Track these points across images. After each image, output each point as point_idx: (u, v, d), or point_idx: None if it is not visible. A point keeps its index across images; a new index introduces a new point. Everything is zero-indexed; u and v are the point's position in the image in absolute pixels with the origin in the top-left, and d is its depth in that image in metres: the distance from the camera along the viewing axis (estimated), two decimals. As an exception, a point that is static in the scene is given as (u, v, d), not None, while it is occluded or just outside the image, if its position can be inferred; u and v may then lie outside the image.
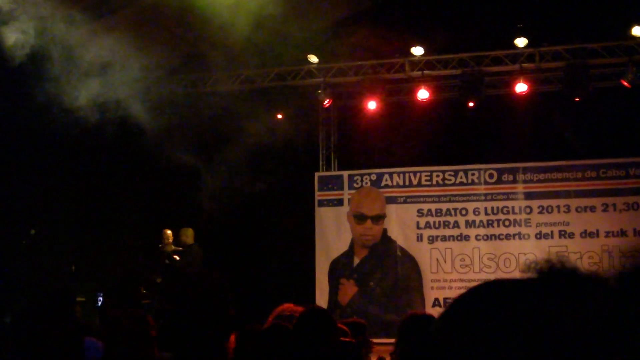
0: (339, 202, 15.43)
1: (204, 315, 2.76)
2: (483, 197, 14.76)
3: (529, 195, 14.54)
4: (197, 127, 14.28)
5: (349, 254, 15.26)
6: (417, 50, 14.35)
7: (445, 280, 14.48)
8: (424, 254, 14.87)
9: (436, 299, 14.56)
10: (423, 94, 14.61)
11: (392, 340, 6.40)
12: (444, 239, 14.85)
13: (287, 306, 4.59)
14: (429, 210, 14.98)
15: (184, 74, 15.14)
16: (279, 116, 14.95)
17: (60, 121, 11.36)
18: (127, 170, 14.72)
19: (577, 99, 13.84)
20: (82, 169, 13.52)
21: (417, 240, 14.99)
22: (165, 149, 14.51)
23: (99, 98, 11.95)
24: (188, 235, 13.97)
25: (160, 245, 13.75)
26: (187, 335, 2.75)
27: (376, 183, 15.30)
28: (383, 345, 9.26)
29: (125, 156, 14.49)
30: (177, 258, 13.60)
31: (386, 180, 15.25)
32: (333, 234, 15.40)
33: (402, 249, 14.99)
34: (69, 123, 11.51)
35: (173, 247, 13.75)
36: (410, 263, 14.88)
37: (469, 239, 14.74)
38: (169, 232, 14.10)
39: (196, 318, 2.76)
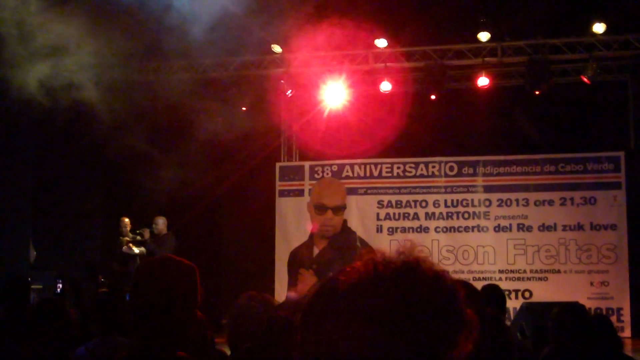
0: (300, 193, 15.43)
1: (171, 301, 2.74)
2: (443, 190, 14.86)
3: (488, 189, 14.67)
4: (158, 115, 14.14)
5: (308, 244, 15.27)
6: (381, 43, 14.35)
7: (405, 272, 14.51)
8: (384, 246, 14.86)
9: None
10: (386, 86, 14.64)
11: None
12: (404, 230, 14.92)
13: (252, 293, 4.56)
14: (389, 201, 15.05)
15: (145, 61, 14.97)
16: (243, 109, 14.87)
17: (16, 106, 11.17)
18: (87, 158, 14.53)
19: (537, 94, 13.95)
20: (42, 154, 13.31)
21: (377, 231, 15.06)
22: (124, 137, 14.38)
23: (58, 84, 11.76)
24: (161, 223, 13.98)
25: (140, 236, 13.61)
26: (153, 321, 2.74)
27: (337, 174, 15.33)
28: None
29: (86, 143, 14.31)
30: (133, 249, 13.50)
31: (347, 171, 15.28)
32: (293, 224, 15.40)
33: (362, 240, 15.03)
34: (25, 108, 11.32)
35: (148, 237, 13.67)
36: (370, 254, 14.89)
37: (428, 230, 14.84)
38: (126, 220, 14.02)
39: (164, 304, 2.74)
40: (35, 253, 12.22)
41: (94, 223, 14.69)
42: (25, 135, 12.06)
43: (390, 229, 14.98)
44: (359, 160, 15.26)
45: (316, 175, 15.42)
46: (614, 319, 12.70)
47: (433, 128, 15.15)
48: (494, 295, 6.29)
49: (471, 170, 14.79)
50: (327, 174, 15.39)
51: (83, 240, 14.33)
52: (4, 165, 11.36)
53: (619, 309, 13.76)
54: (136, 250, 13.61)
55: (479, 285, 6.37)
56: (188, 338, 2.80)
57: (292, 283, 15.09)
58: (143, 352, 2.76)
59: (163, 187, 14.06)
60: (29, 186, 12.01)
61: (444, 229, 14.76)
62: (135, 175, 14.36)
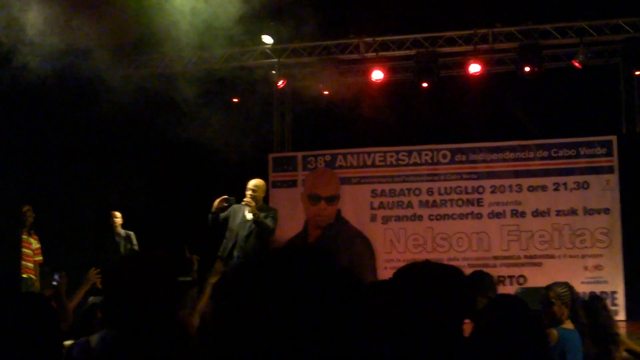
0: (293, 184, 15.41)
1: (150, 292, 2.75)
2: (436, 177, 14.86)
3: (481, 175, 14.67)
4: (148, 108, 14.07)
5: (302, 234, 15.25)
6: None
7: (399, 260, 14.48)
8: (378, 234, 14.92)
9: (390, 279, 14.61)
10: (377, 75, 14.62)
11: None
12: (398, 219, 14.92)
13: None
14: (383, 190, 15.04)
15: (136, 55, 14.91)
16: (235, 100, 14.85)
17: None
18: (76, 153, 14.47)
19: (529, 79, 13.93)
20: (25, 148, 13.21)
21: (371, 220, 15.04)
22: (117, 130, 14.35)
23: (49, 79, 11.68)
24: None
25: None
26: (134, 313, 2.74)
27: (330, 164, 15.31)
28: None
29: (78, 138, 14.27)
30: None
31: (340, 161, 15.26)
32: (287, 215, 15.36)
33: (356, 230, 15.02)
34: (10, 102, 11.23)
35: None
36: (364, 243, 14.92)
37: (422, 218, 14.83)
38: (117, 214, 14.08)
39: (143, 295, 2.74)
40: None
41: (86, 216, 14.68)
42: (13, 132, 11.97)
43: (384, 218, 14.98)
44: (352, 150, 15.24)
45: (309, 166, 15.39)
46: (608, 302, 12.71)
47: (425, 116, 15.12)
48: (484, 282, 6.22)
49: (464, 158, 14.78)
50: (320, 164, 15.37)
51: (78, 234, 14.32)
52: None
53: (613, 293, 13.79)
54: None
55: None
56: (171, 332, 2.80)
57: (288, 274, 15.06)
58: (125, 346, 2.77)
59: (154, 179, 14.04)
60: (21, 181, 11.97)
61: (438, 217, 14.76)
62: (127, 167, 14.34)
